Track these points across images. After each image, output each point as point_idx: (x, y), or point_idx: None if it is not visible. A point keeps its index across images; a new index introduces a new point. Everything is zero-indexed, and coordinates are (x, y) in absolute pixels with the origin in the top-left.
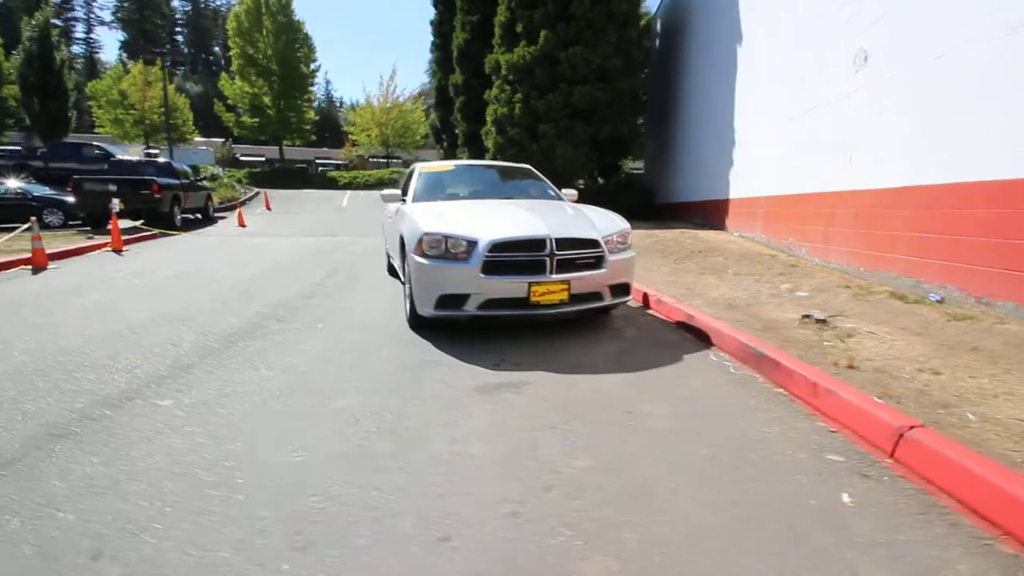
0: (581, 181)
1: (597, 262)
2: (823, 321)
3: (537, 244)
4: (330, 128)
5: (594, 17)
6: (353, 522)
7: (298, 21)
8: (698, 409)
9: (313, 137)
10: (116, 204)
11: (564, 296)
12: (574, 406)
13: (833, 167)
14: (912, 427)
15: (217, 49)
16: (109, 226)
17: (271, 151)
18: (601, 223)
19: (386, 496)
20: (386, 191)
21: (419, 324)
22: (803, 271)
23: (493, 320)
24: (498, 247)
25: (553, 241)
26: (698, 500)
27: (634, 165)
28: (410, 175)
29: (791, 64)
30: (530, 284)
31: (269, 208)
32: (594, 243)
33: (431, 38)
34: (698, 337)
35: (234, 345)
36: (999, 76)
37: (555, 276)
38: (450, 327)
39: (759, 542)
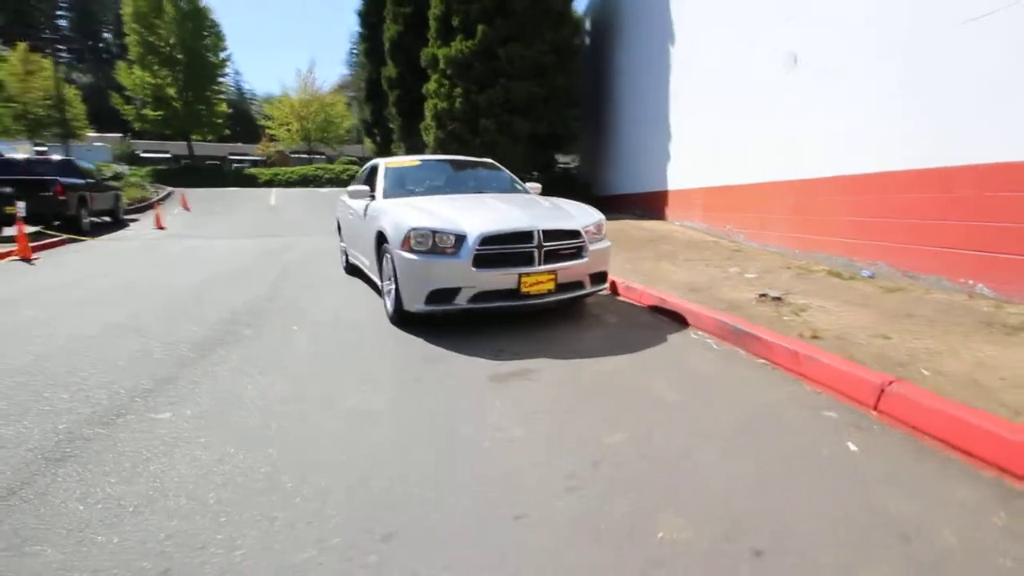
0: (522, 175)
1: (579, 252)
2: (778, 299)
3: (526, 236)
4: (243, 122)
5: (531, 14)
6: (425, 510)
7: (204, 7)
8: (699, 382)
9: (227, 131)
10: (22, 207)
11: (551, 286)
12: (587, 388)
13: (767, 160)
14: (891, 382)
15: (108, 36)
16: (11, 232)
17: (177, 147)
18: (579, 214)
19: (445, 483)
20: (352, 187)
21: (404, 320)
22: (746, 255)
23: (480, 313)
24: (488, 240)
25: (540, 233)
26: (733, 456)
27: (564, 160)
28: (372, 171)
29: (727, 65)
30: (520, 275)
31: (187, 208)
32: (576, 234)
33: (358, 29)
34: (672, 319)
35: (212, 353)
36: (910, 80)
37: (543, 267)
38: (432, 322)
39: (797, 483)
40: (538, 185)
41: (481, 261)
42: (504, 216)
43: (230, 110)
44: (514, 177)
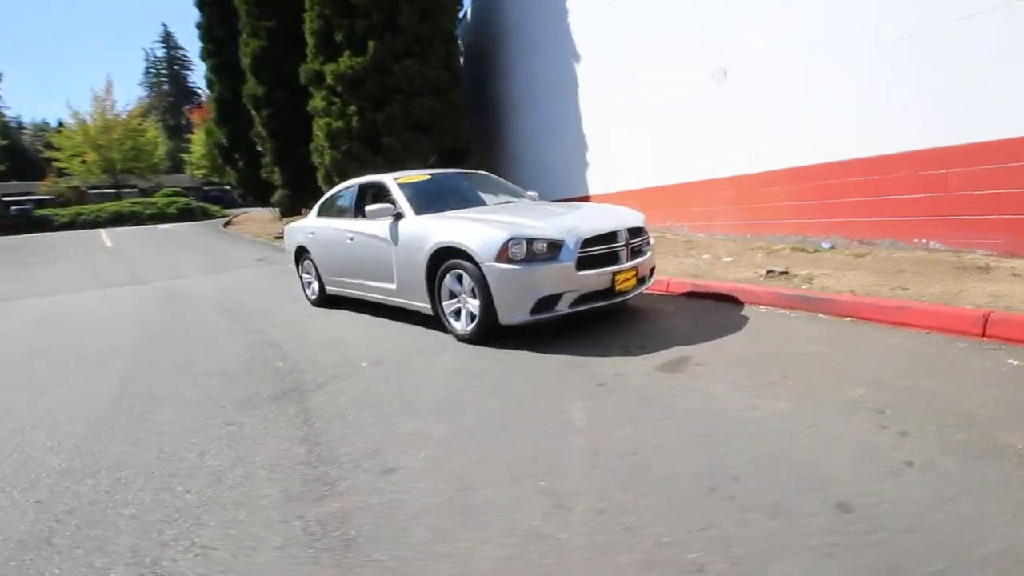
0: None
1: (646, 247)
2: (785, 273)
3: (614, 236)
4: (14, 157)
5: (422, 32)
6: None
7: None
8: (831, 345)
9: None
10: None
11: (634, 282)
12: (763, 361)
13: (709, 160)
14: (989, 313)
15: None
16: None
17: None
18: (628, 213)
19: (775, 456)
20: (372, 206)
21: (488, 336)
22: (703, 245)
23: (551, 320)
24: (587, 242)
25: (627, 232)
26: (941, 386)
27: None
28: (378, 190)
29: (656, 80)
30: (614, 274)
31: None
32: (644, 230)
33: (199, 43)
34: (718, 300)
35: (316, 394)
36: (828, 92)
37: (629, 263)
38: (498, 337)
39: (992, 388)
40: (535, 193)
41: (582, 264)
42: (586, 219)
43: (5, 141)
44: (519, 188)
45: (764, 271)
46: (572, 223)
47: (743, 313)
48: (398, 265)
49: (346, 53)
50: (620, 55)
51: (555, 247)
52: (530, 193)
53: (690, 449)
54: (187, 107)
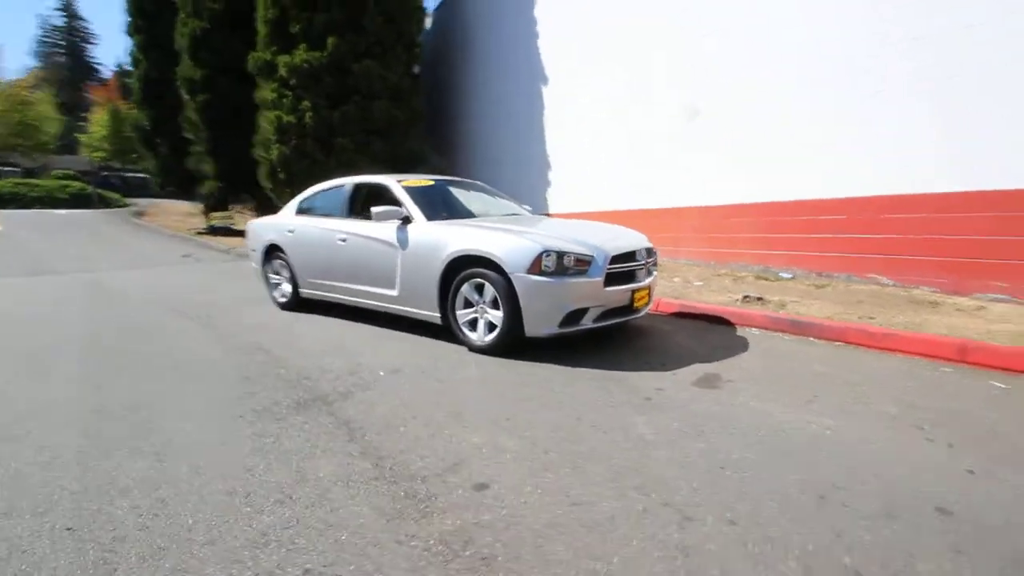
0: None
1: (654, 267)
2: (760, 299)
3: (634, 255)
4: None
5: (385, 35)
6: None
7: None
8: (837, 367)
9: None
10: None
11: (647, 300)
12: (783, 382)
13: (677, 189)
14: (965, 342)
15: None
16: None
17: None
18: (638, 234)
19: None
20: (378, 208)
21: (508, 347)
22: (670, 269)
23: (575, 334)
24: (615, 259)
25: (645, 251)
26: (957, 405)
27: None
28: (376, 192)
29: (625, 118)
30: (633, 291)
31: None
32: (655, 251)
33: (127, 17)
34: (710, 322)
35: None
36: (785, 133)
37: (645, 281)
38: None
39: (999, 408)
40: (529, 207)
41: (609, 280)
42: (604, 236)
43: None
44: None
45: (740, 296)
46: (598, 240)
47: (739, 334)
48: (404, 271)
49: (302, 46)
50: (591, 81)
51: (584, 262)
52: (525, 207)
53: (774, 462)
54: (87, 83)
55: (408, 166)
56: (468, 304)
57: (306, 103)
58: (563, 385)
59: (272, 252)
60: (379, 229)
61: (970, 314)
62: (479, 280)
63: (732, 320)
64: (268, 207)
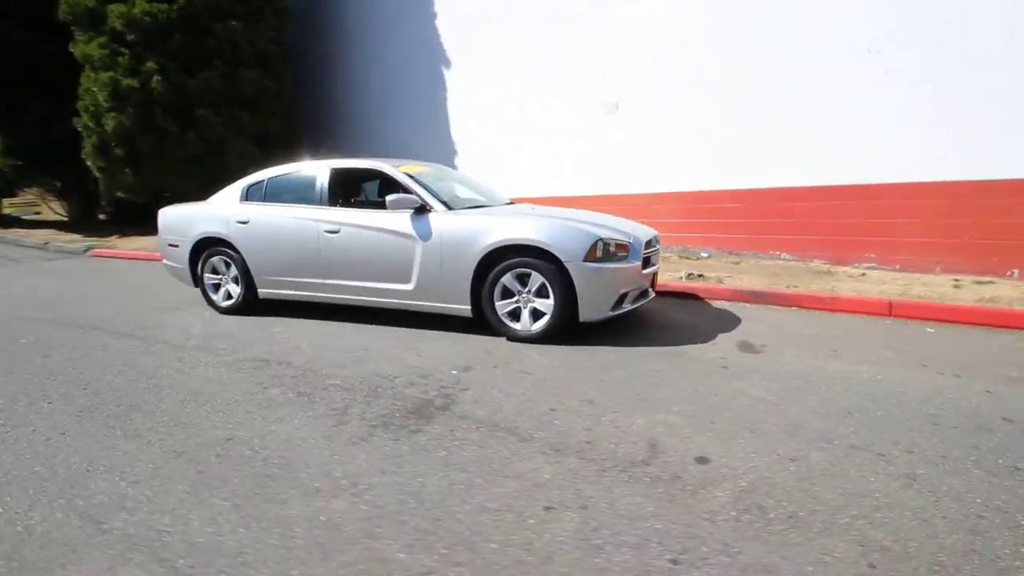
0: None
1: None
2: (701, 275)
3: (652, 240)
4: None
5: None
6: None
7: None
8: (818, 327)
9: None
10: None
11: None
12: (802, 342)
13: (599, 178)
14: (891, 301)
15: None
16: None
17: None
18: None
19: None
20: (393, 196)
21: (557, 335)
22: None
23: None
24: (647, 244)
25: (655, 238)
26: (928, 347)
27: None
28: (366, 178)
29: (549, 102)
30: (653, 275)
31: None
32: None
33: None
34: (678, 297)
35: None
36: (711, 126)
37: (657, 265)
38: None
39: (954, 346)
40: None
41: (644, 264)
42: (626, 224)
43: None
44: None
45: (685, 273)
46: (627, 227)
47: (716, 306)
48: (423, 263)
49: None
50: (500, 68)
51: (624, 248)
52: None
53: (879, 402)
54: None
55: (279, 144)
56: (508, 294)
57: (150, 63)
58: (639, 363)
59: (208, 247)
60: (387, 219)
61: (857, 280)
62: (523, 270)
63: (701, 295)
64: (83, 192)
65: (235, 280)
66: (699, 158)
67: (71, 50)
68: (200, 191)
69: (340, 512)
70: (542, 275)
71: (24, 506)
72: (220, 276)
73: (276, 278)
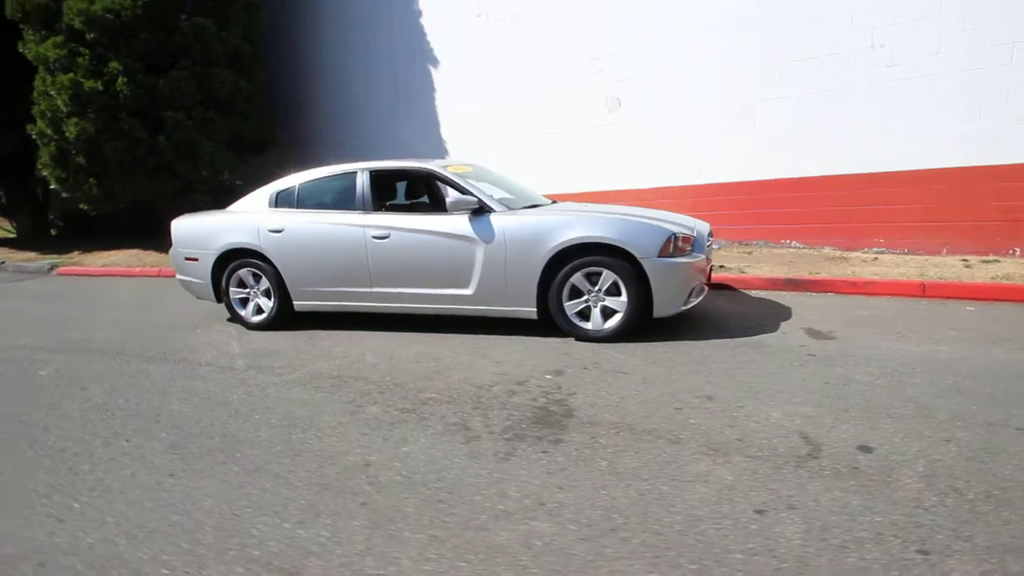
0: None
1: None
2: (722, 266)
3: (709, 234)
4: None
5: None
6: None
7: None
8: (869, 310)
9: None
10: None
11: None
12: (864, 326)
13: (607, 174)
14: (925, 282)
15: None
16: None
17: None
18: None
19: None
20: (452, 198)
21: (632, 331)
22: None
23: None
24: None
25: (710, 231)
26: (984, 324)
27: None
28: (436, 182)
29: (550, 101)
30: (710, 269)
31: None
32: None
33: None
34: (716, 289)
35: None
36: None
37: (711, 261)
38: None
39: (1002, 321)
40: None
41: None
42: (681, 217)
43: None
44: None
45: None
46: (688, 221)
47: (755, 296)
48: (485, 266)
49: None
50: (490, 64)
51: (690, 241)
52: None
53: (970, 378)
54: None
55: (254, 148)
56: (577, 294)
57: (115, 64)
58: (728, 356)
59: (234, 259)
60: (443, 222)
61: (872, 264)
62: (593, 268)
63: (733, 285)
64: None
65: (266, 293)
66: (699, 153)
67: (21, 51)
68: (171, 200)
69: (552, 535)
70: (615, 273)
71: (193, 565)
72: (248, 290)
73: (316, 289)
